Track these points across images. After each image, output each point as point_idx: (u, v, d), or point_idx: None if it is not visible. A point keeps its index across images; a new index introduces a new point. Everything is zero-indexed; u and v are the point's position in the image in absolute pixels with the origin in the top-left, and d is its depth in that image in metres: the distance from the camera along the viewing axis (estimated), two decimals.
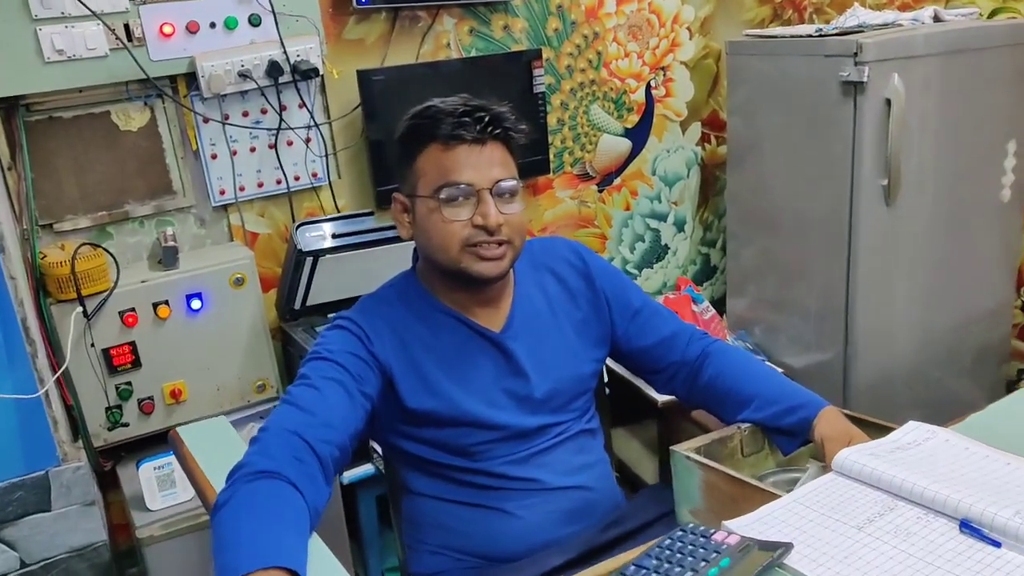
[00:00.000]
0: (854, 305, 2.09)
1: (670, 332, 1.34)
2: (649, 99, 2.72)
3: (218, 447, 1.22)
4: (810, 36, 2.09)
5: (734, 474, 1.08)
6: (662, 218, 2.87)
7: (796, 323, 2.34)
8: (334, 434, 1.07)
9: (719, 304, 2.79)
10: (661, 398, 2.24)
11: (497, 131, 1.17)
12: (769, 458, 1.27)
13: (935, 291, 2.18)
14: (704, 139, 2.87)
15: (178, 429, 1.28)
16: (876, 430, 1.16)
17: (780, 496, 1.02)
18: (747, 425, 1.24)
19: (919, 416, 2.20)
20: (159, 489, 1.84)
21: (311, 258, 1.98)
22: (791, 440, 1.22)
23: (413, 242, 1.27)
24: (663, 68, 2.72)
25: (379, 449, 1.64)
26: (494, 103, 1.19)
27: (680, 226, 2.91)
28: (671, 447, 1.15)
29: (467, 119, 1.15)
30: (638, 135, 2.75)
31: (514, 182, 1.19)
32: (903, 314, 2.16)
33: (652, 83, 2.71)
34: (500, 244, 1.17)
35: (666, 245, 2.90)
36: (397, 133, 1.22)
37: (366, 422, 1.16)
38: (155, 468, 1.84)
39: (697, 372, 1.33)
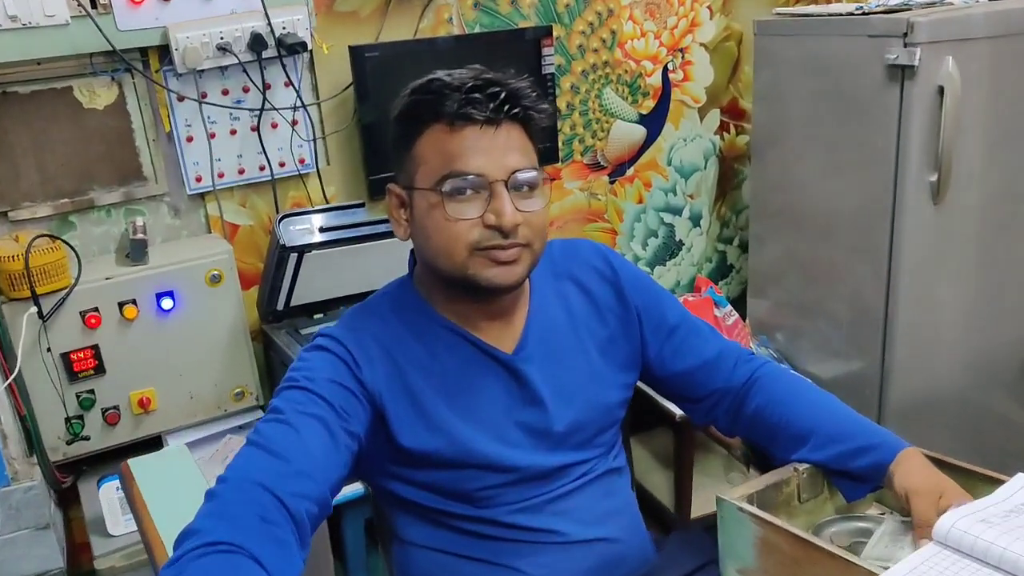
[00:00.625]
0: (895, 312, 1.90)
1: (713, 354, 1.14)
2: (666, 83, 2.52)
3: (175, 486, 1.03)
4: (851, 15, 1.89)
5: (799, 533, 0.89)
6: (677, 212, 2.67)
7: (824, 329, 2.15)
8: (312, 486, 0.87)
9: (736, 306, 2.60)
10: (679, 412, 2.07)
11: (515, 110, 0.96)
12: (828, 503, 1.08)
13: (985, 299, 1.99)
14: (723, 128, 2.68)
15: (130, 463, 1.08)
16: (964, 476, 0.97)
17: (858, 563, 0.84)
18: (805, 466, 1.05)
19: (959, 437, 2.06)
20: (122, 512, 1.65)
21: (296, 254, 1.80)
22: (859, 486, 1.03)
23: (411, 242, 1.07)
24: (681, 50, 2.53)
25: None
26: (511, 77, 0.99)
27: (696, 221, 2.71)
28: (718, 495, 0.96)
29: (478, 95, 0.94)
30: (653, 122, 2.55)
31: (534, 173, 0.98)
32: (949, 324, 1.97)
33: (669, 66, 2.52)
34: (515, 246, 0.97)
35: (680, 241, 2.71)
36: (394, 111, 1.01)
37: (351, 467, 0.96)
38: (117, 488, 1.65)
39: (743, 400, 1.13)
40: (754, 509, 0.93)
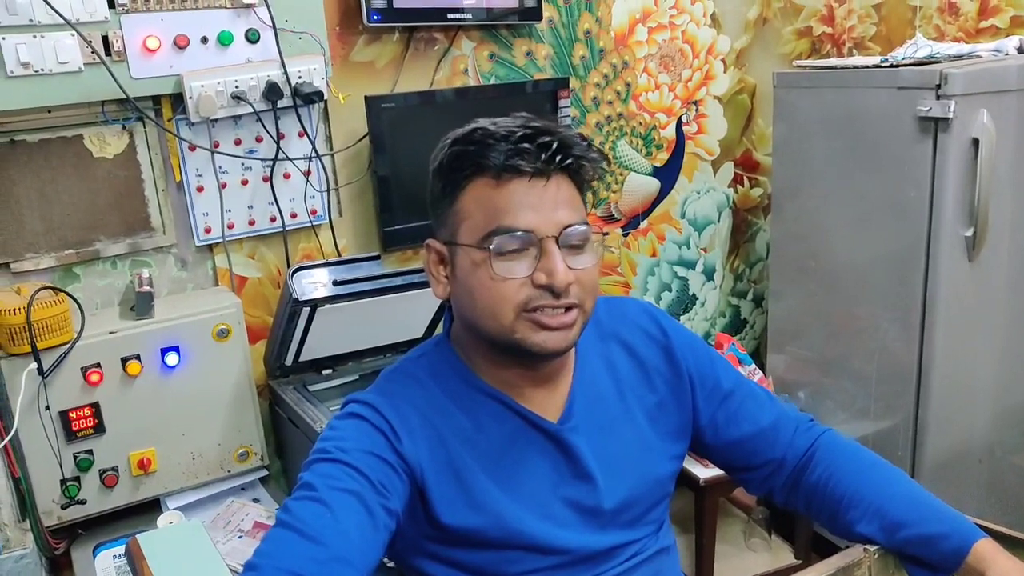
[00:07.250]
0: (929, 369, 1.84)
1: (770, 421, 1.07)
2: (680, 136, 2.50)
3: (190, 566, 0.93)
4: (878, 67, 1.86)
5: None
6: (690, 266, 2.63)
7: (850, 387, 2.09)
8: (351, 573, 0.79)
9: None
10: (704, 475, 1.99)
11: (567, 161, 0.91)
12: None
13: (1018, 354, 1.93)
14: (736, 180, 2.65)
15: (139, 538, 0.99)
16: None
17: None
18: (876, 547, 0.97)
19: (992, 497, 1.98)
20: None
21: (309, 308, 1.73)
22: (930, 574, 0.95)
23: (440, 300, 0.99)
24: (695, 102, 2.51)
25: None
26: (559, 125, 0.93)
27: (709, 275, 2.67)
28: None
29: (527, 144, 0.88)
30: (667, 174, 2.52)
31: (585, 227, 0.92)
32: (983, 381, 1.91)
33: (683, 118, 2.49)
34: (568, 309, 0.90)
35: (694, 295, 2.66)
36: (434, 162, 0.95)
37: (388, 547, 0.88)
38: (115, 557, 1.54)
39: (801, 472, 1.06)
40: None
